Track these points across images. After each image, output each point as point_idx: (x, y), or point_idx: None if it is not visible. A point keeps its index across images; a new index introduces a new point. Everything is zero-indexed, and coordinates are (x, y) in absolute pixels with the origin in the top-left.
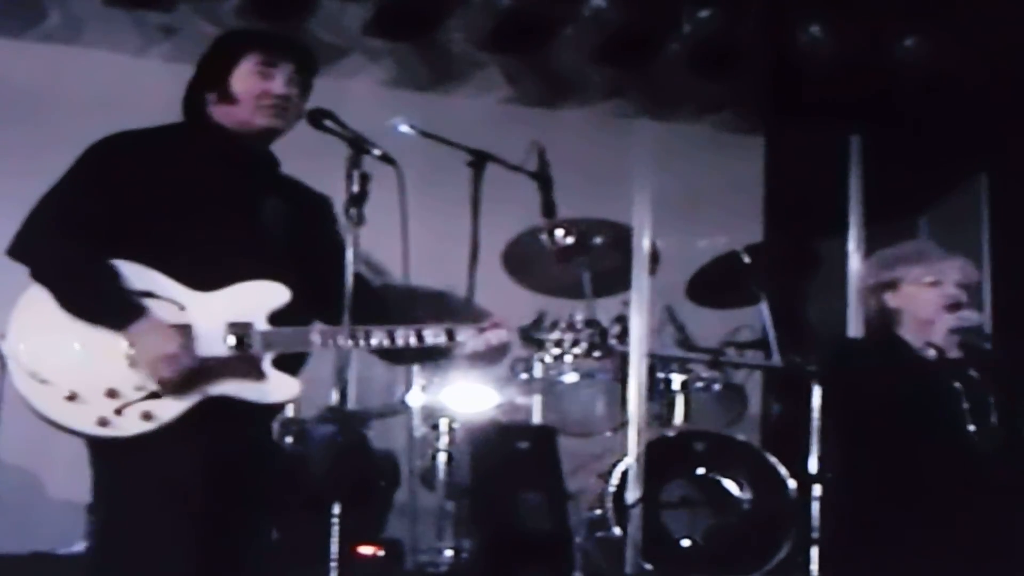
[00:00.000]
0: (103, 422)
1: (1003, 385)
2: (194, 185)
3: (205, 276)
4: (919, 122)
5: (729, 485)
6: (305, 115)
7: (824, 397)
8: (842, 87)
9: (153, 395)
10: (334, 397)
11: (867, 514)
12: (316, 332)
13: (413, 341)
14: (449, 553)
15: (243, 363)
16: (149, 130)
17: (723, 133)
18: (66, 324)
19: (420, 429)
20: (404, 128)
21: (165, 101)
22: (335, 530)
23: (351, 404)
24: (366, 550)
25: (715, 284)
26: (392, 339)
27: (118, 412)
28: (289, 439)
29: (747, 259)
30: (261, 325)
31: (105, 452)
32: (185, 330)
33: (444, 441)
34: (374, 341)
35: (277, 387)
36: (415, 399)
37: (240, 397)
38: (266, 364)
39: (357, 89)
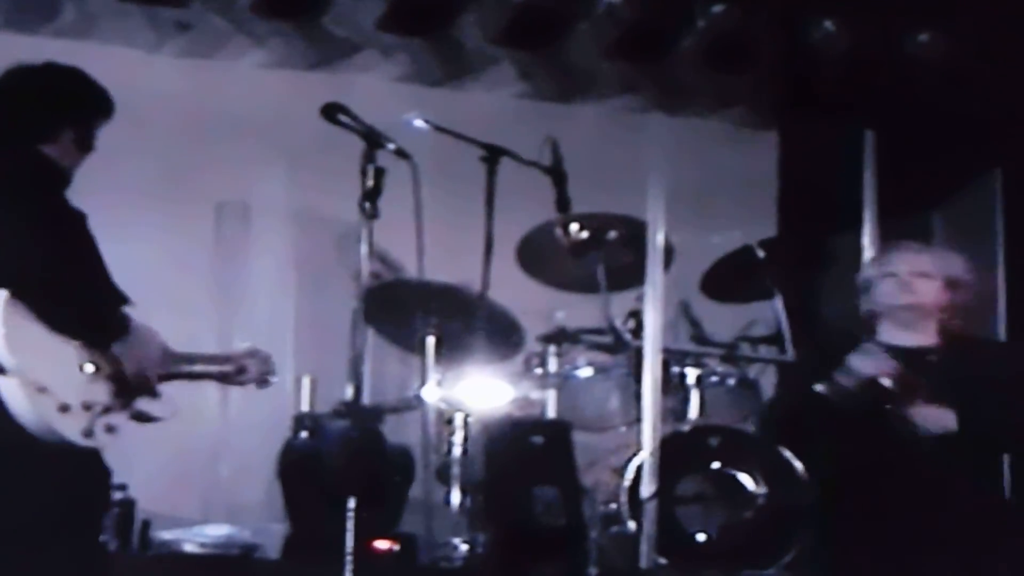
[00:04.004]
0: (87, 433)
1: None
2: (57, 211)
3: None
4: (933, 117)
5: (744, 480)
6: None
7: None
8: (856, 82)
9: (107, 409)
10: (348, 392)
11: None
12: (178, 354)
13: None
14: (464, 548)
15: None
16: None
17: (737, 128)
18: (46, 336)
19: (435, 424)
20: (419, 123)
21: (179, 96)
22: (350, 525)
23: (366, 399)
24: (381, 544)
25: (729, 279)
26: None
27: (91, 424)
28: (303, 434)
29: (761, 254)
30: None
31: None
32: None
33: (459, 436)
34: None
35: (167, 403)
36: (430, 394)
37: (149, 412)
38: (155, 383)
39: (371, 84)
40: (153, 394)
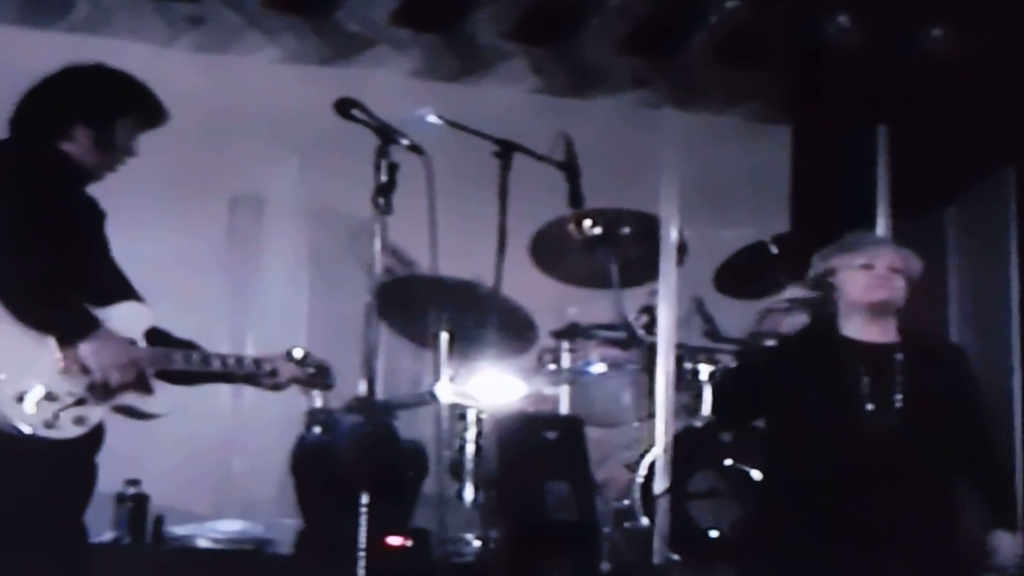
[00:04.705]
0: (48, 424)
1: (932, 366)
2: (66, 206)
3: (90, 296)
4: (947, 113)
5: (756, 475)
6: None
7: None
8: (869, 77)
9: (80, 401)
10: (362, 387)
11: (774, 502)
12: (178, 353)
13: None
14: (476, 543)
15: (139, 377)
16: (13, 147)
17: (750, 123)
18: (11, 327)
19: (448, 419)
20: (432, 118)
21: (192, 92)
22: (363, 520)
23: (379, 394)
24: (394, 540)
25: (742, 274)
26: (224, 364)
27: (56, 415)
28: (316, 429)
29: (774, 249)
30: (141, 342)
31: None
32: (132, 341)
33: (472, 431)
34: (214, 365)
35: (162, 400)
36: (443, 389)
37: (138, 408)
38: (151, 378)
39: (384, 79)
40: (145, 390)
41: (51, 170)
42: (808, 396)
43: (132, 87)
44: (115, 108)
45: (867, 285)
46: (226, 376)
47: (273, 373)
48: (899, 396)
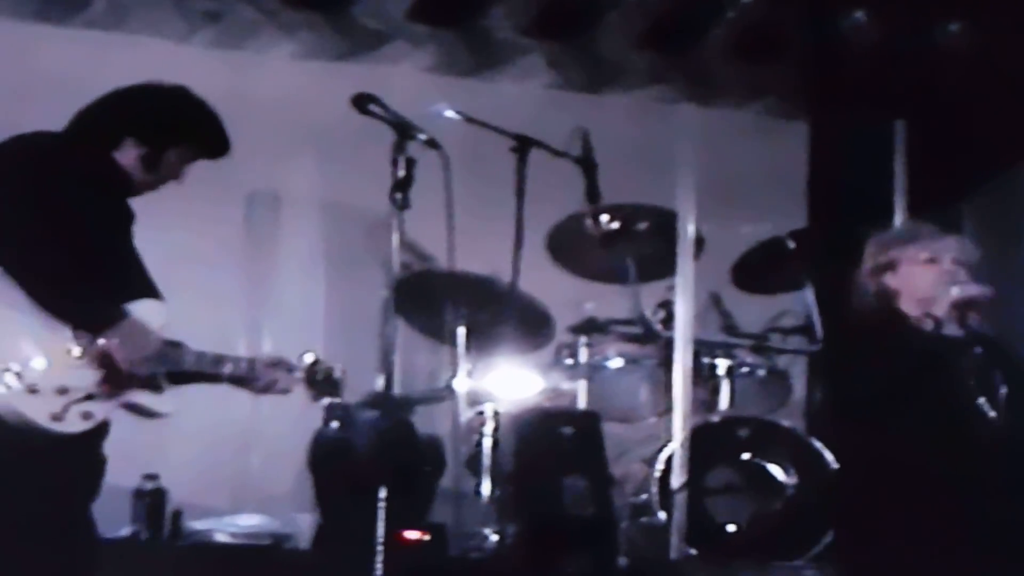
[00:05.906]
0: (56, 417)
1: (1006, 359)
2: (104, 207)
3: (112, 291)
4: (963, 108)
5: (774, 471)
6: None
7: (828, 379)
8: (886, 73)
9: (88, 396)
10: (379, 382)
11: (875, 496)
12: (190, 353)
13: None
14: (494, 538)
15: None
16: (70, 142)
17: (767, 119)
18: (25, 319)
19: (465, 414)
20: (449, 114)
21: (208, 87)
22: (381, 515)
23: (396, 389)
24: (411, 535)
25: (759, 270)
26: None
27: (65, 409)
28: (334, 424)
29: (791, 245)
30: None
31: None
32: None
33: (489, 427)
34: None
35: (170, 399)
36: (460, 384)
37: (146, 406)
38: (162, 378)
39: (401, 75)
40: (155, 388)
41: (94, 169)
42: (918, 392)
43: (197, 119)
44: (169, 135)
45: (934, 280)
46: (217, 378)
47: (256, 379)
48: (1003, 392)
